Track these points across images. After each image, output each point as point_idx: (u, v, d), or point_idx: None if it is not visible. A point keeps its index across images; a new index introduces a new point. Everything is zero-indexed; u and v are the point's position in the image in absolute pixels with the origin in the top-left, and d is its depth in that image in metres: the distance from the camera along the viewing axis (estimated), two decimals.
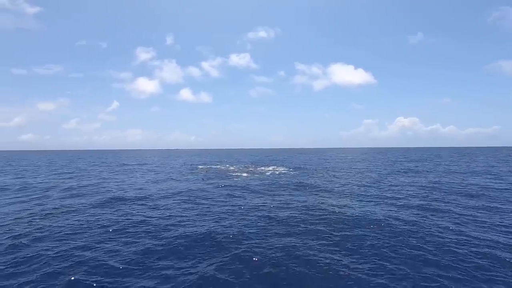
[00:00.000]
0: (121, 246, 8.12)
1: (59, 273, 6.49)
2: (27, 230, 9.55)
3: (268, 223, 10.13)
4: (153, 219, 10.82)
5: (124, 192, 17.02)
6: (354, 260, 7.12)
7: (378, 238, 8.47)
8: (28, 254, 7.53)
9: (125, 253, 7.59)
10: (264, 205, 13.03)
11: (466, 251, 7.58)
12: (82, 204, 13.68)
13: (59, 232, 9.31)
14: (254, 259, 7.09)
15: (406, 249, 7.68)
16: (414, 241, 8.20)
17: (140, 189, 18.10)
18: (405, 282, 6.02)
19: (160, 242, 8.31)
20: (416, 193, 15.94)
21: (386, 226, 9.55)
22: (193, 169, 35.08)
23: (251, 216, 11.07)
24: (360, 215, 11.06)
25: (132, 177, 26.17)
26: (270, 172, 29.41)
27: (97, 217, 11.13)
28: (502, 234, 8.95)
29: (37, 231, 9.52)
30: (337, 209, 11.98)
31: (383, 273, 6.41)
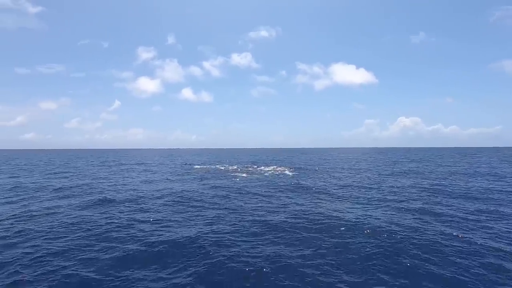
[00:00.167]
0: (100, 252, 7.58)
1: (26, 284, 5.96)
2: (4, 234, 9.04)
3: (260, 228, 9.54)
4: (140, 222, 10.28)
5: (116, 193, 16.51)
6: (349, 271, 6.54)
7: (377, 247, 7.87)
8: None
9: (103, 261, 7.06)
10: (259, 209, 12.46)
11: (471, 261, 6.99)
12: (70, 205, 13.19)
13: (38, 237, 8.78)
14: (239, 268, 6.54)
15: (407, 259, 7.09)
16: (415, 250, 7.59)
17: (133, 190, 17.58)
18: None
19: (142, 248, 7.77)
20: (418, 196, 15.31)
21: (386, 233, 8.94)
22: (191, 169, 34.56)
23: (244, 220, 10.50)
24: (358, 220, 10.47)
25: (127, 177, 25.68)
26: (269, 172, 28.83)
27: (82, 220, 10.60)
28: (510, 242, 8.34)
29: (15, 235, 9.02)
30: (335, 214, 11.39)
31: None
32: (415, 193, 16.16)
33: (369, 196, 15.15)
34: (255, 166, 36.78)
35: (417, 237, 8.58)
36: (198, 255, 7.32)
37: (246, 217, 10.94)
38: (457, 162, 42.97)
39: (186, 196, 15.12)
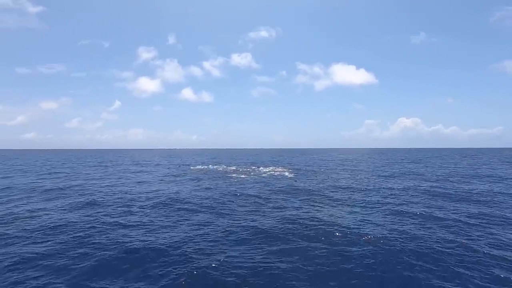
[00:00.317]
0: (77, 260, 7.07)
1: None
2: None
3: (251, 234, 8.97)
4: (124, 227, 9.76)
5: (106, 195, 16.00)
6: (343, 284, 6.02)
7: (374, 256, 7.32)
8: None
9: (78, 269, 6.56)
10: (252, 213, 11.95)
11: (475, 272, 6.47)
12: (56, 208, 12.69)
13: (14, 243, 8.30)
14: (222, 279, 6.02)
15: (407, 271, 6.55)
16: (416, 260, 7.05)
17: (124, 192, 17.03)
18: None
19: (121, 255, 7.26)
20: (418, 199, 14.75)
21: (384, 240, 8.40)
22: (188, 170, 34.06)
23: (234, 225, 9.95)
24: (356, 226, 9.94)
25: (121, 178, 25.18)
26: (268, 173, 28.28)
27: (64, 223, 10.09)
28: None
29: None
30: (331, 219, 10.86)
31: None
32: (416, 195, 15.61)
33: (368, 199, 14.61)
34: (254, 167, 36.26)
35: (417, 245, 8.03)
36: (179, 263, 6.80)
37: (237, 222, 10.41)
38: (458, 163, 42.37)
39: (177, 198, 14.59)
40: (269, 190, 17.58)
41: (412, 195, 15.67)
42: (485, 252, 7.57)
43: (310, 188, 18.35)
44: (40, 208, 12.58)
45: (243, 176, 26.08)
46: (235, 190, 17.23)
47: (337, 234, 8.93)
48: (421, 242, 8.20)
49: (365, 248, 7.77)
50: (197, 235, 8.85)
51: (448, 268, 6.64)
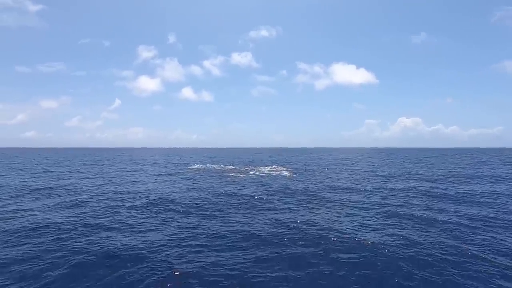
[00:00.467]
0: (47, 265, 6.60)
1: None
2: None
3: (241, 239, 8.44)
4: (107, 229, 9.25)
5: (95, 194, 15.50)
6: None
7: (372, 265, 6.82)
8: None
9: (51, 276, 6.10)
10: (245, 215, 11.47)
11: (479, 283, 6.00)
12: (41, 208, 12.24)
13: None
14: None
15: (407, 281, 6.07)
16: (416, 270, 6.53)
17: (115, 192, 16.52)
18: None
19: (98, 260, 6.81)
20: (419, 200, 14.23)
21: (383, 247, 7.88)
22: (186, 169, 33.59)
23: (224, 229, 9.42)
24: (353, 231, 9.44)
25: (115, 176, 24.73)
26: (266, 173, 27.80)
27: (45, 225, 9.61)
28: None
29: None
30: (328, 223, 10.36)
31: None
32: (416, 197, 15.12)
33: (366, 200, 14.12)
34: (252, 166, 35.78)
35: (417, 251, 7.53)
36: (158, 270, 6.33)
37: (227, 225, 9.92)
38: (459, 163, 41.83)
39: (168, 198, 14.11)
40: (265, 190, 17.10)
41: (412, 196, 15.18)
42: (489, 259, 7.10)
43: (308, 188, 17.87)
44: (25, 209, 12.13)
45: (240, 175, 25.62)
46: (230, 191, 16.76)
47: (333, 239, 8.43)
48: (421, 249, 7.70)
49: (361, 255, 7.29)
50: (182, 238, 8.37)
51: (450, 278, 6.17)
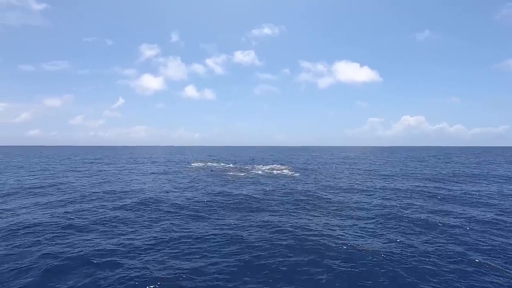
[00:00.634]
0: (16, 271, 6.12)
1: None
2: None
3: (229, 243, 7.89)
4: (88, 230, 8.78)
5: (88, 193, 15.04)
6: None
7: (371, 274, 6.26)
8: None
9: (22, 280, 5.62)
10: (238, 218, 10.90)
11: None
12: (29, 207, 11.81)
13: None
14: None
15: None
16: (420, 281, 5.94)
17: (107, 192, 16.02)
18: None
19: (71, 264, 6.33)
20: (423, 202, 13.57)
21: (384, 255, 7.28)
22: (185, 167, 33.15)
23: (212, 232, 8.87)
24: (353, 236, 8.85)
25: (113, 175, 24.32)
26: (266, 171, 27.22)
27: (26, 226, 9.16)
28: None
29: None
30: (328, 228, 9.73)
31: None
32: (420, 198, 14.47)
33: (368, 202, 13.50)
34: (253, 165, 35.25)
35: (421, 260, 6.91)
36: (136, 277, 5.82)
37: (217, 227, 9.34)
38: (463, 162, 40.96)
39: (160, 198, 13.59)
40: (264, 190, 16.53)
41: (416, 198, 14.54)
42: (499, 268, 6.50)
43: (308, 188, 17.28)
44: (12, 208, 11.70)
45: (240, 174, 25.10)
46: (226, 191, 16.22)
47: (332, 246, 7.76)
48: (426, 258, 7.08)
49: (360, 263, 6.71)
50: (166, 241, 7.85)
51: None
